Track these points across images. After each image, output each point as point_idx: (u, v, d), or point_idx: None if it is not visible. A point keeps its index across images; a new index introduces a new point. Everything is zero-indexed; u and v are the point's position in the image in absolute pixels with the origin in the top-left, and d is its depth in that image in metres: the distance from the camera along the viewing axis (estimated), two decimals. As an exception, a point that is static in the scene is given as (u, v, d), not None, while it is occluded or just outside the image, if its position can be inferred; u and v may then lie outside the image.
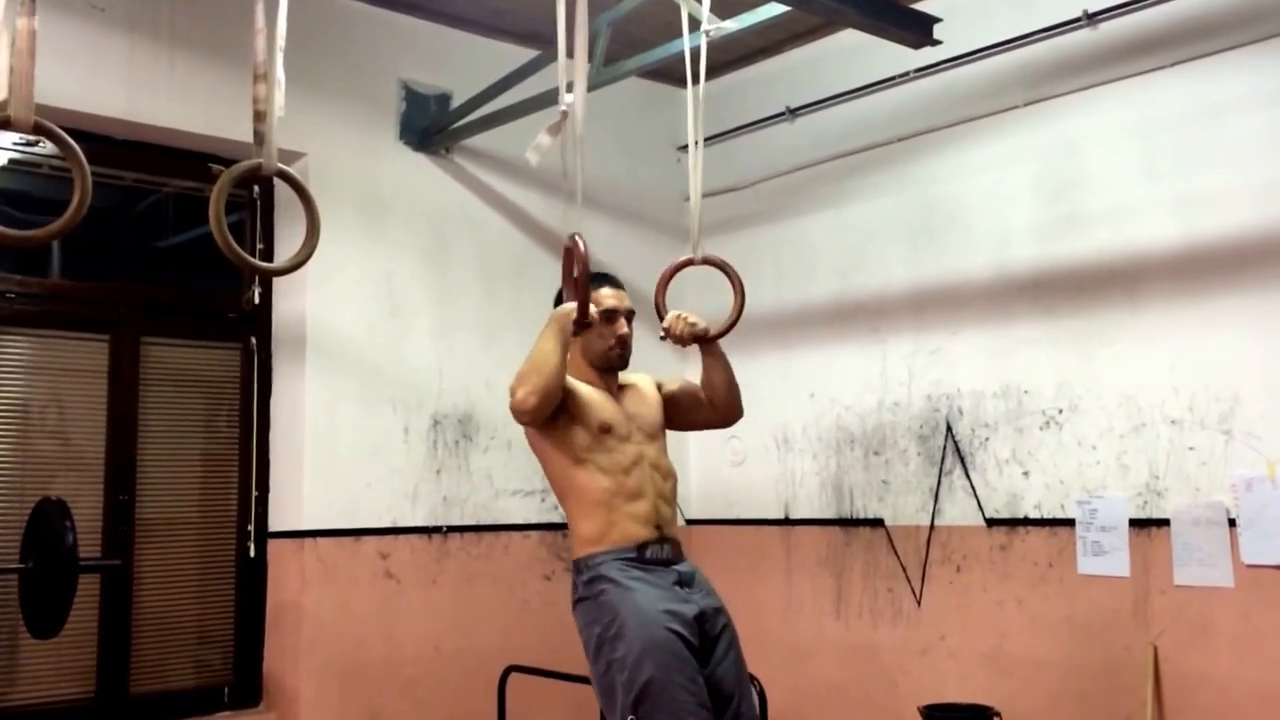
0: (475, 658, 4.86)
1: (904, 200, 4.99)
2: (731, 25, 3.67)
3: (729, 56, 5.39)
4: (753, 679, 3.40)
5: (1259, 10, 3.94)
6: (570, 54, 2.94)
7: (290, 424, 4.70)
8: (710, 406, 3.41)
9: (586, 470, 3.11)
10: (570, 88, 2.93)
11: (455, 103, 5.05)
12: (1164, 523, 4.08)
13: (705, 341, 3.30)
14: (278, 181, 2.42)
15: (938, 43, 4.16)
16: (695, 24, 3.50)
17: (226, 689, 4.61)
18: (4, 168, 4.32)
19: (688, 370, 4.49)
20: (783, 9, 3.89)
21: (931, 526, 4.77)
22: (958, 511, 4.70)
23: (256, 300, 4.78)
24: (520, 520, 5.16)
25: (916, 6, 4.29)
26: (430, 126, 5.03)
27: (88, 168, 2.05)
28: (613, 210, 5.45)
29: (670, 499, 3.23)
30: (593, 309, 3.09)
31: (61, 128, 2.05)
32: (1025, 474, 4.49)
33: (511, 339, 5.09)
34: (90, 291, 4.50)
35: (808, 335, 5.33)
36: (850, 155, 5.15)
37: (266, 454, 4.75)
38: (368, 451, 4.78)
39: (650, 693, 2.87)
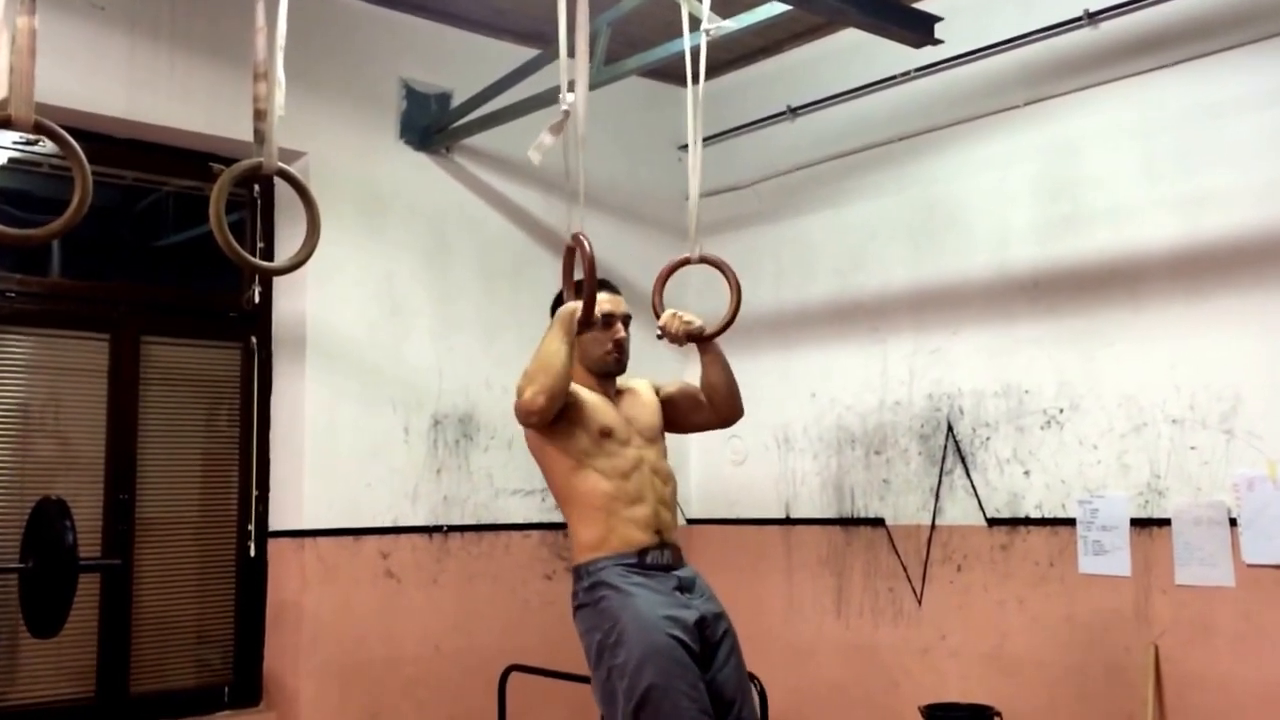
0: (476, 657, 4.86)
1: (904, 200, 4.99)
2: (732, 25, 3.66)
3: (730, 56, 5.39)
4: (753, 678, 3.39)
5: (1260, 10, 3.94)
6: (571, 53, 2.94)
7: (290, 423, 4.70)
8: (710, 407, 3.39)
9: (587, 475, 3.10)
10: (571, 87, 2.92)
11: (455, 102, 5.05)
12: (1165, 522, 4.08)
13: (702, 340, 3.29)
14: (278, 180, 2.41)
15: (939, 42, 4.16)
16: (695, 23, 3.50)
17: (226, 688, 4.61)
18: (4, 167, 4.32)
19: (688, 371, 4.49)
20: (783, 8, 3.89)
21: (932, 526, 4.77)
22: (958, 511, 4.69)
23: (257, 299, 4.78)
24: (521, 520, 5.15)
25: (917, 6, 4.29)
26: (431, 126, 5.02)
27: (88, 167, 2.05)
28: (613, 210, 5.45)
29: (670, 503, 3.22)
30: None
31: (62, 126, 2.05)
32: (1026, 473, 4.49)
33: (512, 338, 5.09)
34: (90, 291, 4.50)
35: (808, 335, 5.33)
36: (851, 155, 5.15)
37: (267, 453, 4.75)
38: (368, 451, 4.77)
39: (651, 699, 2.87)
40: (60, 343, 4.36)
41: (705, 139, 4.79)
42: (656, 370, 3.60)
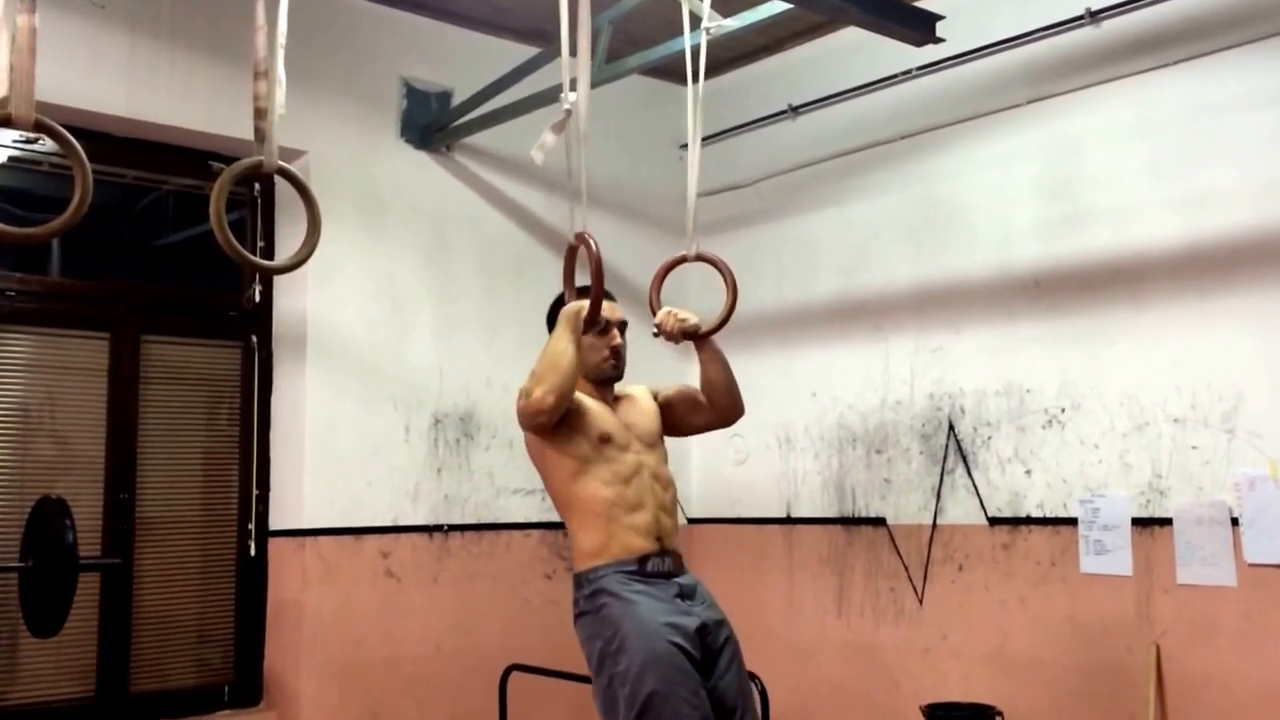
0: (476, 657, 4.85)
1: (906, 198, 4.98)
2: (732, 23, 3.66)
3: (731, 54, 5.39)
4: (754, 678, 3.39)
5: (1261, 9, 3.93)
6: (573, 52, 2.93)
7: (291, 422, 4.70)
8: (710, 407, 3.38)
9: (587, 482, 3.09)
10: (573, 85, 2.91)
11: (456, 100, 5.05)
12: (1167, 522, 4.07)
13: (698, 338, 3.29)
14: (278, 179, 2.41)
15: (940, 40, 4.15)
16: (696, 21, 3.50)
17: (227, 688, 4.60)
18: (4, 165, 4.31)
19: (688, 371, 4.48)
20: (784, 6, 3.88)
21: (934, 525, 4.76)
22: (960, 510, 4.69)
23: (257, 298, 4.77)
24: (521, 519, 5.15)
25: (919, 4, 4.28)
26: (431, 124, 5.02)
27: (88, 165, 2.05)
28: (615, 208, 5.44)
29: (670, 510, 3.21)
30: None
31: (62, 125, 2.05)
32: (1028, 473, 4.48)
33: (513, 337, 5.09)
34: (90, 290, 4.49)
35: (810, 334, 5.33)
36: (852, 153, 5.14)
37: (267, 452, 4.75)
38: (368, 450, 4.77)
39: (653, 706, 2.86)
40: (60, 342, 4.35)
41: (706, 137, 4.82)
42: (656, 370, 3.60)
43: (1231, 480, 3.92)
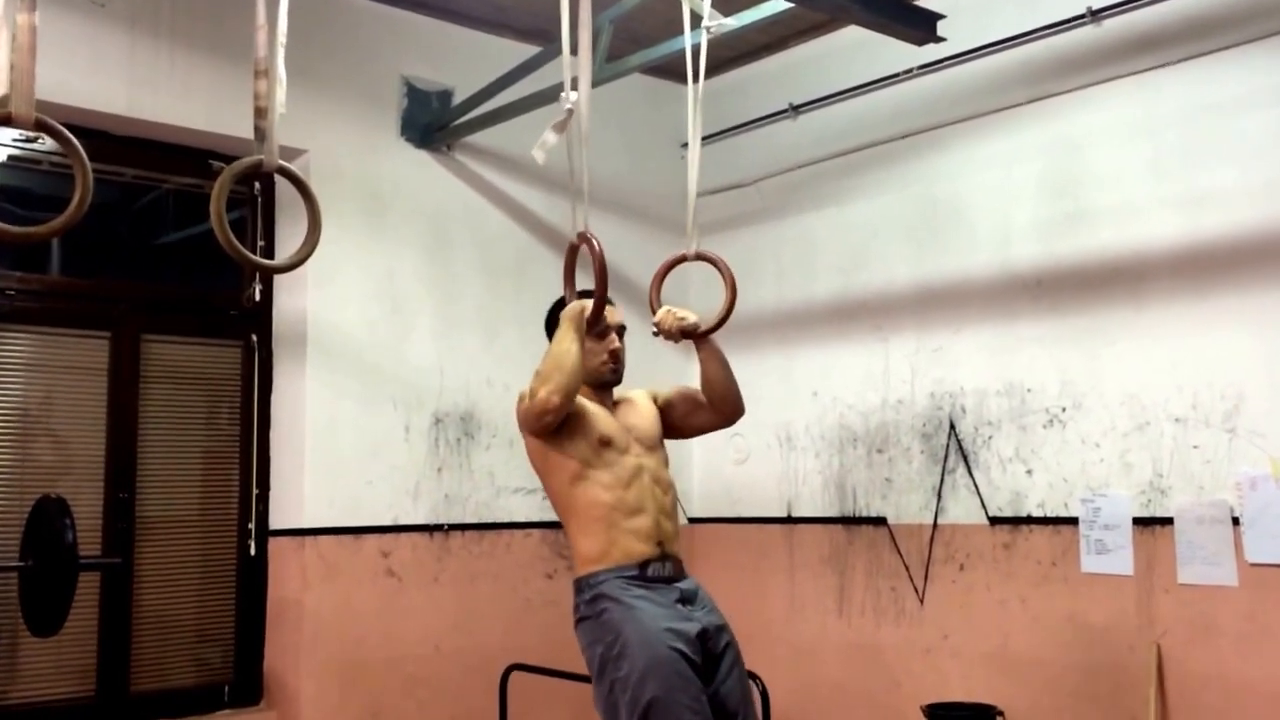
0: (477, 656, 4.85)
1: (907, 198, 4.98)
2: (732, 22, 3.65)
3: (732, 53, 5.38)
4: (755, 678, 3.39)
5: (1263, 7, 3.93)
6: (574, 51, 2.93)
7: (291, 422, 4.69)
8: (709, 405, 3.37)
9: (588, 486, 3.09)
10: (574, 84, 2.91)
11: (457, 99, 5.04)
12: (1168, 521, 4.07)
13: (697, 337, 3.28)
14: (279, 178, 2.40)
15: (941, 39, 4.15)
16: (697, 20, 3.49)
17: (227, 687, 4.60)
18: (5, 164, 4.31)
19: (688, 372, 4.48)
20: (785, 5, 3.88)
21: (934, 525, 4.76)
22: (961, 510, 4.68)
23: (257, 298, 4.77)
24: (522, 518, 5.14)
25: (920, 3, 4.27)
26: (432, 123, 5.01)
27: (89, 164, 2.04)
28: (616, 207, 5.44)
29: (671, 513, 3.20)
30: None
31: (62, 124, 2.04)
32: (1029, 472, 4.48)
33: (513, 336, 5.08)
34: (91, 289, 4.49)
35: (810, 333, 5.32)
36: (853, 152, 5.14)
37: (267, 452, 4.74)
38: (369, 449, 4.77)
39: (654, 712, 2.86)
40: (60, 341, 4.35)
41: (707, 137, 4.81)
42: (657, 370, 3.59)
43: (1233, 479, 3.92)
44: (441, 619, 4.88)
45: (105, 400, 4.40)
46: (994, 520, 4.57)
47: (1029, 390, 4.50)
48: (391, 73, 4.99)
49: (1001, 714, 4.31)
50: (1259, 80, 3.94)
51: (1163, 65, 4.16)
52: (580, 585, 3.08)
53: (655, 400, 3.40)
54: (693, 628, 3.01)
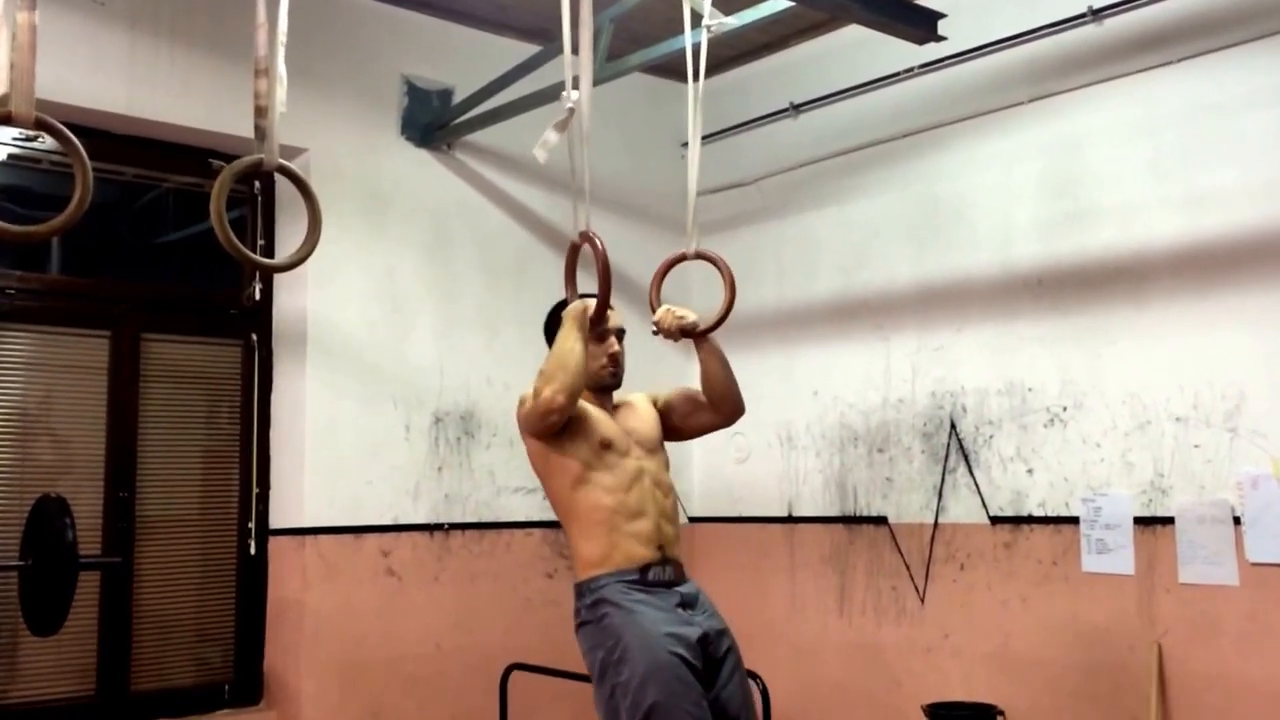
0: (477, 656, 4.85)
1: (908, 197, 4.98)
2: (733, 21, 3.65)
3: (733, 52, 5.38)
4: (756, 678, 3.39)
5: (1263, 7, 3.92)
6: (575, 50, 2.92)
7: (291, 421, 4.69)
8: (710, 405, 3.37)
9: (589, 490, 3.08)
10: (575, 84, 2.91)
11: (457, 98, 5.04)
12: (1169, 521, 4.07)
13: (697, 336, 3.28)
14: (279, 177, 2.40)
15: (942, 39, 4.14)
16: (697, 19, 3.49)
17: (227, 687, 4.60)
18: (5, 163, 4.31)
19: (690, 371, 4.48)
20: (786, 4, 3.88)
21: (935, 524, 4.75)
22: (962, 509, 4.68)
23: (257, 297, 4.76)
24: (522, 518, 5.14)
25: (921, 2, 4.27)
26: (432, 122, 5.01)
27: (89, 163, 2.04)
28: (617, 206, 5.43)
29: (672, 516, 3.20)
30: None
31: (62, 122, 2.04)
32: (1029, 471, 4.48)
33: (514, 335, 5.08)
34: (91, 288, 4.49)
35: (811, 332, 5.32)
36: (854, 151, 5.13)
37: (267, 451, 4.74)
38: (369, 449, 4.76)
39: (655, 717, 2.85)
40: (60, 340, 4.35)
41: (708, 136, 4.81)
42: (657, 369, 3.59)
43: (1234, 479, 3.92)
44: (442, 618, 4.88)
45: (105, 399, 4.39)
46: (995, 520, 4.57)
47: (1030, 389, 4.50)
48: (392, 71, 4.98)
49: (1002, 713, 4.31)
50: (1260, 80, 3.94)
51: (1164, 64, 4.15)
52: (581, 590, 3.08)
53: (655, 403, 3.39)
54: (694, 632, 3.01)
